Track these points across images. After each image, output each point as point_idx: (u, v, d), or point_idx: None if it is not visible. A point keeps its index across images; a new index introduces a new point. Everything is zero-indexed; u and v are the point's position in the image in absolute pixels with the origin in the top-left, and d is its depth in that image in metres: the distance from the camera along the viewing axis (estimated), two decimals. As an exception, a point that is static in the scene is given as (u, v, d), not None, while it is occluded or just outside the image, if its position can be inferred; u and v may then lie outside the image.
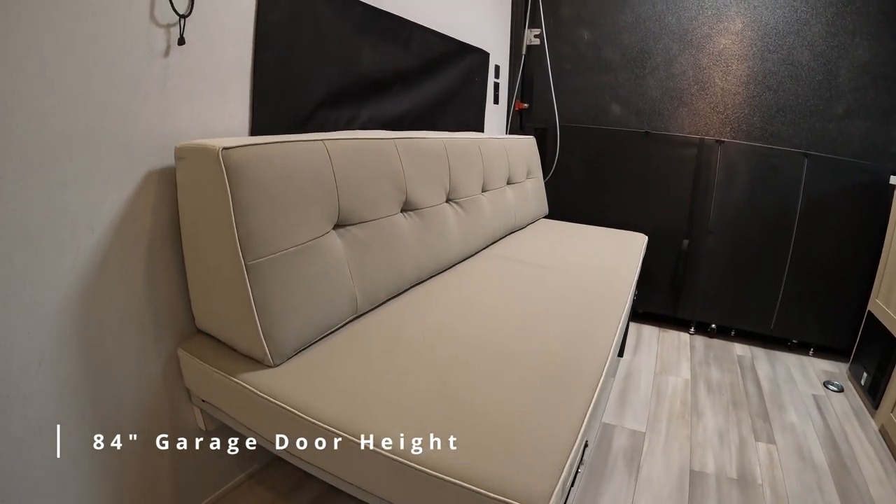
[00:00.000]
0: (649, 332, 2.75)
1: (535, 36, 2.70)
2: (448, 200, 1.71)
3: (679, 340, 2.68)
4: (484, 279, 1.61)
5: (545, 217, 2.68)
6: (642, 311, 2.80)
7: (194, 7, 1.10)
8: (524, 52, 2.71)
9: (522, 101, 2.79)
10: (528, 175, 2.48)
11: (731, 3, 2.57)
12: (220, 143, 0.98)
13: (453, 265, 1.70)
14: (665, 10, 2.58)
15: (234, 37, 1.21)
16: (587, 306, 1.44)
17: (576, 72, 2.73)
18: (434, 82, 1.98)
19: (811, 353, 2.73)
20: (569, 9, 2.70)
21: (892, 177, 2.39)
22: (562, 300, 1.46)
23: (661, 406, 2.11)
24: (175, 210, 1.12)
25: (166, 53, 1.07)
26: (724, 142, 2.53)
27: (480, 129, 2.47)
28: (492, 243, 2.03)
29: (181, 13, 1.07)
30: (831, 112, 2.61)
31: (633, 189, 2.66)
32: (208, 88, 1.17)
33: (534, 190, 2.50)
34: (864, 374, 2.28)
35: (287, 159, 1.07)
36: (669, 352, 2.56)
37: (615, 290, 1.62)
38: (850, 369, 2.54)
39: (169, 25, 1.06)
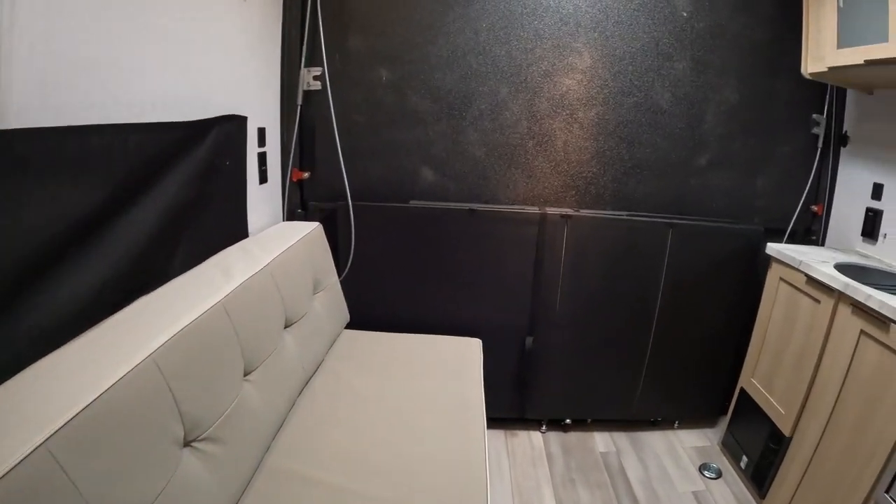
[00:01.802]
0: (496, 439, 2.48)
1: (316, 78, 2.21)
2: (187, 445, 1.23)
3: (532, 447, 2.49)
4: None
5: (347, 327, 2.26)
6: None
7: None
8: (300, 101, 2.20)
9: (302, 168, 2.30)
10: (318, 288, 2.03)
11: (577, 31, 2.23)
12: None
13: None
14: (492, 41, 2.18)
15: None
16: None
17: (371, 125, 2.27)
18: (150, 203, 1.41)
19: (676, 426, 2.70)
20: (360, 38, 2.18)
21: (768, 244, 2.31)
22: None
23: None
24: None
25: None
26: (571, 216, 2.28)
27: (243, 231, 2.00)
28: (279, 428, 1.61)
29: None
30: (694, 165, 2.41)
31: (459, 281, 2.35)
32: None
33: (327, 307, 2.06)
34: (745, 458, 2.29)
35: None
36: (524, 469, 2.35)
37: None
38: (722, 443, 2.53)
39: None
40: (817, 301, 2.08)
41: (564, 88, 2.31)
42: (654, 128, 2.39)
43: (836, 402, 1.93)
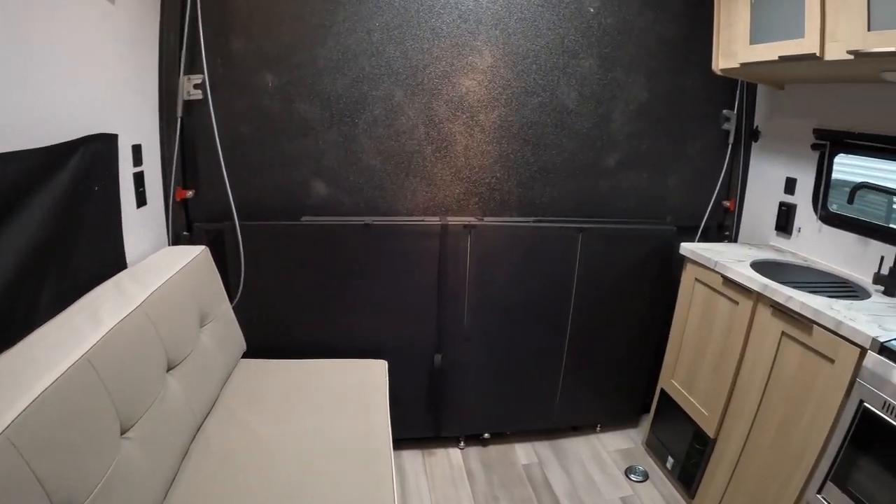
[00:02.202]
0: (412, 460, 2.62)
1: (196, 86, 2.18)
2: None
3: (451, 465, 2.63)
4: None
5: (244, 356, 2.30)
6: (398, 438, 2.51)
7: None
8: (180, 113, 2.19)
9: (185, 186, 2.30)
10: (206, 319, 2.04)
11: (477, 29, 2.32)
12: None
13: None
14: (385, 41, 2.25)
15: None
16: None
17: (258, 137, 2.28)
18: (3, 246, 1.41)
19: (599, 429, 2.98)
20: (244, 41, 2.17)
21: (682, 244, 2.53)
22: None
23: None
24: None
25: None
26: (475, 226, 2.42)
27: (120, 262, 1.98)
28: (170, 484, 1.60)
29: None
30: (603, 165, 2.61)
31: (360, 300, 2.44)
32: None
33: (218, 339, 2.07)
34: (670, 459, 2.56)
35: None
36: (444, 490, 2.47)
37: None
38: (646, 444, 2.83)
39: None
40: (735, 302, 2.28)
41: (464, 90, 2.41)
42: (560, 128, 2.58)
43: (759, 403, 2.13)
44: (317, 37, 2.25)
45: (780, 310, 2.02)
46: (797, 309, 1.93)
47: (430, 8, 2.30)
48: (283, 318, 2.46)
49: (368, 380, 2.18)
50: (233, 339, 2.24)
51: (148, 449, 1.48)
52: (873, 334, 1.66)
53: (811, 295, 2.00)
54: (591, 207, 2.71)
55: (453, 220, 2.46)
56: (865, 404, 1.65)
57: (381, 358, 2.33)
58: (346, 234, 2.36)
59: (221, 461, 1.71)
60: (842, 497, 1.71)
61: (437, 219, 2.46)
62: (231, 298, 2.29)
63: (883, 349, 1.62)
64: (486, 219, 2.53)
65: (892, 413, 1.56)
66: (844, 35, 1.87)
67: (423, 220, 2.44)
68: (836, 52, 1.92)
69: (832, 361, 1.78)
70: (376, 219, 2.40)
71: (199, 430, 1.81)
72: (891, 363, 1.59)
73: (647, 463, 2.80)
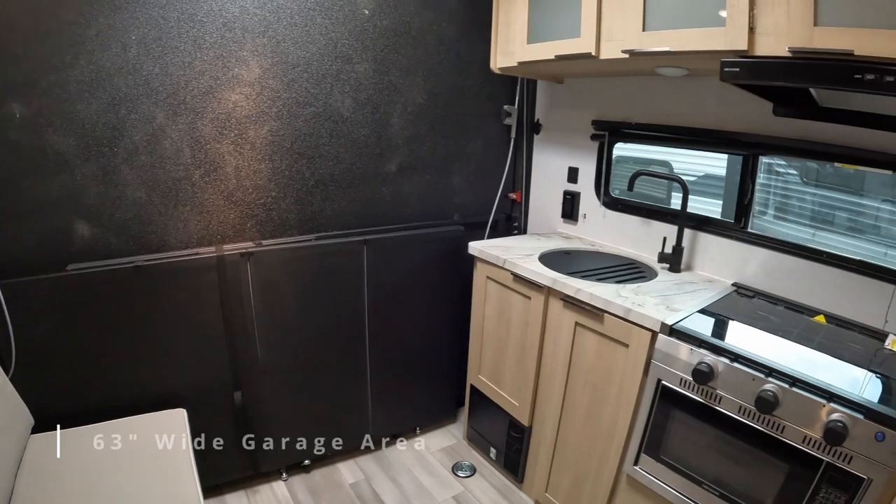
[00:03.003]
0: (238, 502, 2.77)
1: None
2: None
3: (277, 499, 2.81)
4: None
5: (34, 431, 2.20)
6: (217, 484, 2.80)
7: None
8: None
9: None
10: None
11: (243, 38, 2.46)
12: None
13: None
14: (143, 57, 2.29)
15: None
16: None
17: (8, 179, 2.19)
18: None
19: (418, 432, 3.41)
20: None
21: (470, 244, 2.92)
22: None
23: None
24: None
25: None
26: (252, 252, 2.56)
27: None
28: None
29: None
30: (384, 171, 3.01)
31: (144, 347, 2.46)
32: None
33: None
34: (493, 449, 3.02)
35: None
36: None
37: None
38: (467, 438, 3.31)
39: None
40: (528, 297, 2.65)
41: (231, 105, 2.54)
42: (336, 138, 2.89)
43: (565, 390, 2.50)
44: (67, 56, 2.20)
45: (571, 302, 2.33)
46: (586, 300, 2.24)
47: (191, 17, 2.36)
48: (69, 381, 2.40)
49: (167, 433, 2.23)
50: (16, 417, 2.17)
51: None
52: (661, 318, 1.94)
53: (599, 283, 2.37)
54: (375, 216, 3.07)
55: (229, 248, 2.58)
56: (664, 382, 1.94)
57: (179, 406, 2.40)
58: (116, 278, 2.36)
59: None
60: (657, 466, 2.02)
61: (213, 249, 2.58)
62: (6, 369, 2.22)
63: (672, 331, 1.92)
64: (264, 242, 2.70)
65: (689, 388, 1.86)
66: (620, 35, 2.19)
67: (196, 253, 2.53)
68: (611, 51, 2.24)
69: (626, 346, 2.08)
70: (147, 258, 2.44)
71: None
72: (681, 343, 1.88)
73: (472, 456, 3.25)
